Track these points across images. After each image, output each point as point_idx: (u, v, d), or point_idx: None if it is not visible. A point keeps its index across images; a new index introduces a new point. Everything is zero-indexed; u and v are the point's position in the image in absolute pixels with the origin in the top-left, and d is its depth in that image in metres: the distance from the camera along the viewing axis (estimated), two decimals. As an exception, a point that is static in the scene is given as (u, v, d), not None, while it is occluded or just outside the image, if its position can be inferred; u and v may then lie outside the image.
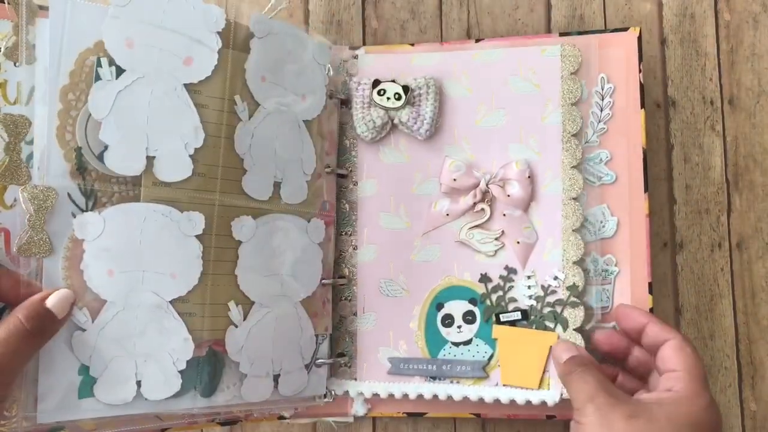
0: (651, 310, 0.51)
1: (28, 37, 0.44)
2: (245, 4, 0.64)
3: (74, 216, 0.44)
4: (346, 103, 0.57)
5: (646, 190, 0.53)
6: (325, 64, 0.55)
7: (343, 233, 0.56)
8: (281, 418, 0.54)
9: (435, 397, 0.53)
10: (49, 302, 0.42)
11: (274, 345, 0.51)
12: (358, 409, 0.55)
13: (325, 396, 0.55)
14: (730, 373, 0.57)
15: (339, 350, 0.55)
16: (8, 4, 0.44)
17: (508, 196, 0.53)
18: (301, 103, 0.54)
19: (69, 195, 0.44)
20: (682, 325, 0.58)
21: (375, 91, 0.55)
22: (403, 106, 0.55)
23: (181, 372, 0.46)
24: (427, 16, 0.62)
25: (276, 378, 0.51)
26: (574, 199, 0.53)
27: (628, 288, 0.52)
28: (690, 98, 0.59)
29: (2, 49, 0.44)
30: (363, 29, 0.63)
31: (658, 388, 0.47)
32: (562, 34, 0.55)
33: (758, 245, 0.58)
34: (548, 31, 0.61)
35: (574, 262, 0.52)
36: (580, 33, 0.55)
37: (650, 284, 0.52)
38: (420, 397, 0.54)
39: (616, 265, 0.53)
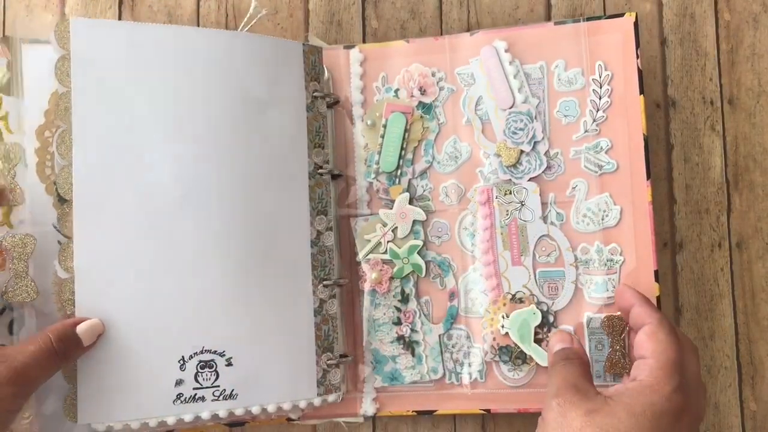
0: (657, 298, 0.51)
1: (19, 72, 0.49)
2: (244, 3, 0.63)
3: (60, 243, 0.47)
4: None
5: (648, 177, 0.53)
6: None
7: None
8: (289, 420, 0.54)
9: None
10: (79, 329, 0.45)
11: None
12: (367, 408, 0.55)
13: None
14: (730, 373, 0.57)
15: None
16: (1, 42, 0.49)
17: None
18: None
19: (54, 225, 0.47)
20: (682, 325, 0.58)
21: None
22: None
23: None
24: (427, 16, 0.62)
25: None
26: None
27: (633, 277, 0.52)
28: (690, 98, 0.60)
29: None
30: (363, 29, 0.63)
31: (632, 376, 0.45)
32: (557, 23, 0.55)
33: (758, 245, 0.58)
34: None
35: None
36: (575, 21, 0.55)
37: (656, 272, 0.52)
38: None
39: (620, 254, 0.53)
